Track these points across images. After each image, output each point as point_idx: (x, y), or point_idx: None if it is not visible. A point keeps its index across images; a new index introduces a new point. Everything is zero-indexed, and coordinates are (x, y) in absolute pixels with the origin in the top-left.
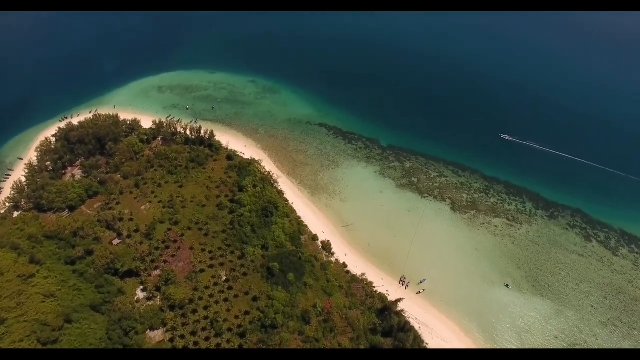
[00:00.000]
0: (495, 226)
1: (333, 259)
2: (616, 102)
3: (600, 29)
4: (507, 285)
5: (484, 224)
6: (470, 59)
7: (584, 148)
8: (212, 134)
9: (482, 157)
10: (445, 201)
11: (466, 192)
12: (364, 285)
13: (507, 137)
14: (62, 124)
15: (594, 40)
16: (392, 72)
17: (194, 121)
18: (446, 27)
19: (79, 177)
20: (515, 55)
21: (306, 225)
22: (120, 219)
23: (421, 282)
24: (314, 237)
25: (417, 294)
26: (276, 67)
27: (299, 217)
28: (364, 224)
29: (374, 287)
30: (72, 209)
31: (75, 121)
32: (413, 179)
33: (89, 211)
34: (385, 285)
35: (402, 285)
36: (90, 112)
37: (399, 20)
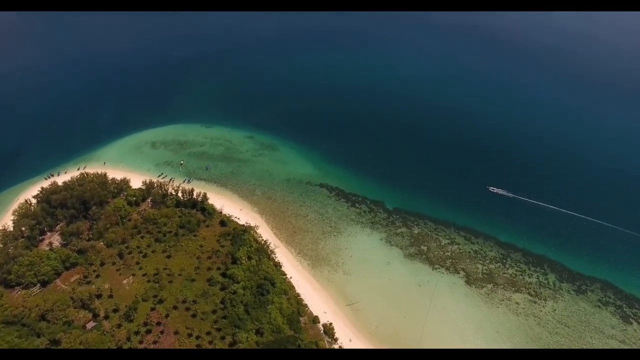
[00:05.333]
0: (517, 303)
1: (336, 346)
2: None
3: (597, 71)
4: None
5: (503, 300)
6: (466, 108)
7: (599, 207)
8: (205, 197)
9: (490, 218)
10: (459, 273)
11: (481, 261)
12: None
13: (495, 190)
14: (47, 183)
15: (594, 84)
16: (391, 125)
17: (186, 181)
18: (443, 72)
19: (57, 244)
20: (507, 103)
21: (306, 305)
22: (98, 296)
23: None
24: (315, 319)
25: None
26: (275, 121)
27: (298, 295)
28: (370, 301)
29: None
30: (45, 283)
31: (61, 180)
32: (422, 247)
33: (64, 285)
34: None
35: None
36: (78, 169)
37: (397, 65)
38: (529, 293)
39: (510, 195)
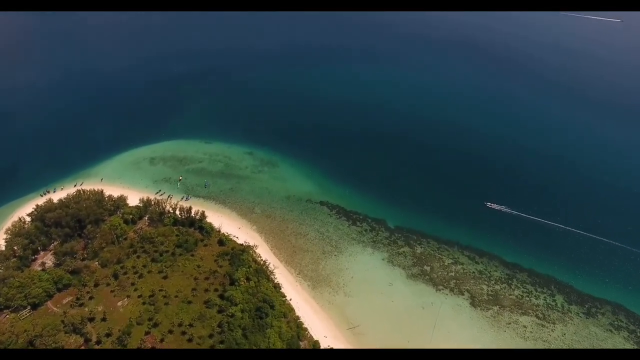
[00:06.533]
0: (524, 326)
1: None
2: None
3: (595, 84)
4: None
5: (510, 323)
6: (465, 123)
7: (606, 225)
8: (203, 215)
9: (494, 236)
10: (464, 295)
11: (486, 282)
12: None
13: (493, 206)
14: (42, 200)
15: (591, 97)
16: (392, 142)
17: (185, 198)
18: (442, 88)
19: (50, 264)
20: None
21: (306, 329)
22: (91, 319)
23: None
24: (315, 344)
25: None
26: (275, 137)
27: (298, 317)
28: (372, 325)
29: None
30: (35, 306)
31: (57, 197)
32: (425, 267)
33: (55, 308)
34: None
35: None
36: (74, 186)
37: (397, 81)
38: (536, 316)
39: (510, 211)
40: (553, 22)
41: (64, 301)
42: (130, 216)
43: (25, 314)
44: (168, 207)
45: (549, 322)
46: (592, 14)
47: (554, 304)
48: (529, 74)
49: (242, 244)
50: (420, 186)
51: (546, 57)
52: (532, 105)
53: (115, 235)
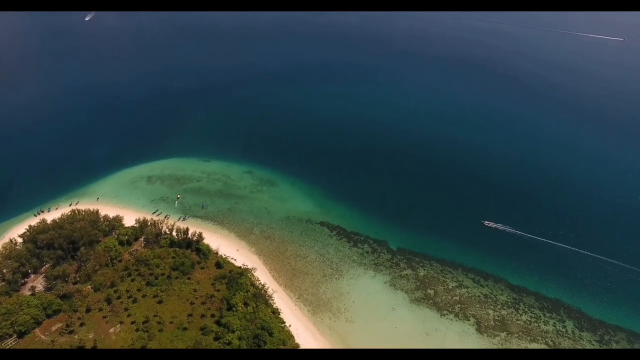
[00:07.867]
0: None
1: None
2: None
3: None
4: None
5: None
6: (465, 142)
7: (615, 246)
8: (200, 236)
9: (499, 258)
10: (469, 320)
11: (492, 307)
12: None
13: (490, 224)
14: (35, 220)
15: (590, 113)
16: (393, 161)
17: (182, 218)
18: (443, 106)
19: (41, 288)
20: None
21: None
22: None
23: None
24: None
25: None
26: (275, 155)
27: (298, 345)
28: None
29: None
30: (22, 334)
31: (51, 217)
32: (429, 290)
33: (43, 336)
34: None
35: None
36: (70, 205)
37: (396, 100)
38: (546, 343)
39: (513, 231)
40: (555, 41)
41: (53, 328)
42: (126, 237)
43: (11, 344)
44: (165, 228)
45: None
46: (595, 33)
47: (564, 330)
48: (529, 92)
49: (240, 267)
50: (422, 206)
51: (547, 75)
52: (531, 123)
53: (109, 257)
